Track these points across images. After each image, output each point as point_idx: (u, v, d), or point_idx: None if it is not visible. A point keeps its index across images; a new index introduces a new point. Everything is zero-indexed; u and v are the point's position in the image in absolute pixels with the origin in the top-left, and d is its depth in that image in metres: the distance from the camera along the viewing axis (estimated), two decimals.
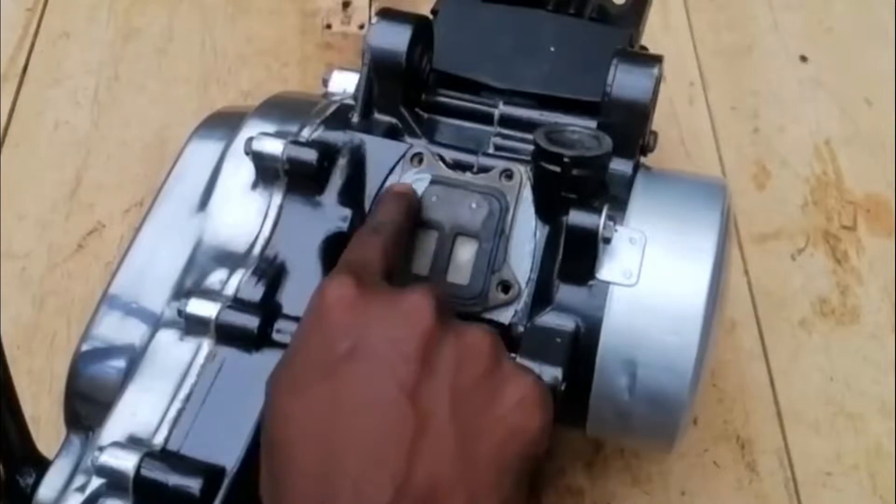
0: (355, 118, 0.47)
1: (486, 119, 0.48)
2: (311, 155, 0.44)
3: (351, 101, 0.49)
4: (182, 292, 0.44)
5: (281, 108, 0.49)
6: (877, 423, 0.58)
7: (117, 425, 0.40)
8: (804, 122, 0.73)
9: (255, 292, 0.42)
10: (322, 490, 0.31)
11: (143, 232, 0.48)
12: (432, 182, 0.45)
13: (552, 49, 0.51)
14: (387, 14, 0.47)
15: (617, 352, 0.42)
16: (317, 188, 0.45)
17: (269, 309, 0.42)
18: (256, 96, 0.52)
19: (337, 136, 0.46)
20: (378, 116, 0.48)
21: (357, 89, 0.48)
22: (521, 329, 0.43)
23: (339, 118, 0.47)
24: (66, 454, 0.43)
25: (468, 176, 0.45)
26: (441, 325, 0.34)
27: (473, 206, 0.44)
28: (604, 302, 0.42)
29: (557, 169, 0.41)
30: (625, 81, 0.45)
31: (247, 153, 0.45)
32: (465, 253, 0.44)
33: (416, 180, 0.45)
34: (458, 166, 0.45)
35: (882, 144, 0.71)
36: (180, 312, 0.41)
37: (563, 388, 0.40)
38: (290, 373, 0.35)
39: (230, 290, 0.43)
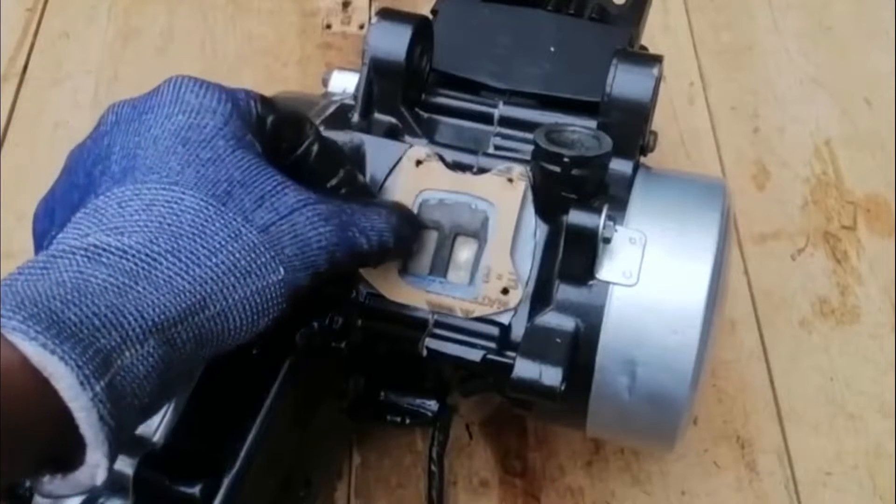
0: (355, 118, 0.47)
1: (486, 119, 0.48)
2: None
3: (351, 101, 0.49)
4: None
5: None
6: (877, 423, 0.58)
7: None
8: (804, 122, 0.73)
9: None
10: None
11: None
12: None
13: (552, 49, 0.51)
14: (387, 14, 0.47)
15: (617, 352, 0.42)
16: None
17: None
18: None
19: (337, 136, 0.46)
20: (378, 116, 0.48)
21: (357, 89, 0.48)
22: (520, 329, 0.43)
23: (339, 118, 0.47)
24: None
25: (468, 176, 0.45)
26: None
27: (473, 206, 0.44)
28: (604, 302, 0.42)
29: (557, 169, 0.41)
30: (625, 81, 0.45)
31: None
32: (465, 253, 0.44)
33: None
34: (458, 166, 0.45)
35: (882, 144, 0.71)
36: None
37: (563, 388, 0.40)
38: None
39: None
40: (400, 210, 0.42)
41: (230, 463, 0.38)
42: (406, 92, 0.47)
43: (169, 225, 0.31)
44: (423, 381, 0.50)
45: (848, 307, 0.63)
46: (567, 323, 0.42)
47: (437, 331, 0.44)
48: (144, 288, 0.29)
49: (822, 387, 0.60)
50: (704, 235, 0.43)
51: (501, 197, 0.44)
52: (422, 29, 0.47)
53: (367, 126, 0.47)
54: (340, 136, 0.46)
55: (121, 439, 0.28)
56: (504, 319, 0.44)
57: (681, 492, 0.56)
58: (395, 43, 0.46)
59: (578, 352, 0.42)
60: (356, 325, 0.44)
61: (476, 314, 0.43)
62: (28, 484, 0.42)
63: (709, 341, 0.43)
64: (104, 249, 0.30)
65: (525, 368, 0.41)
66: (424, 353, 0.44)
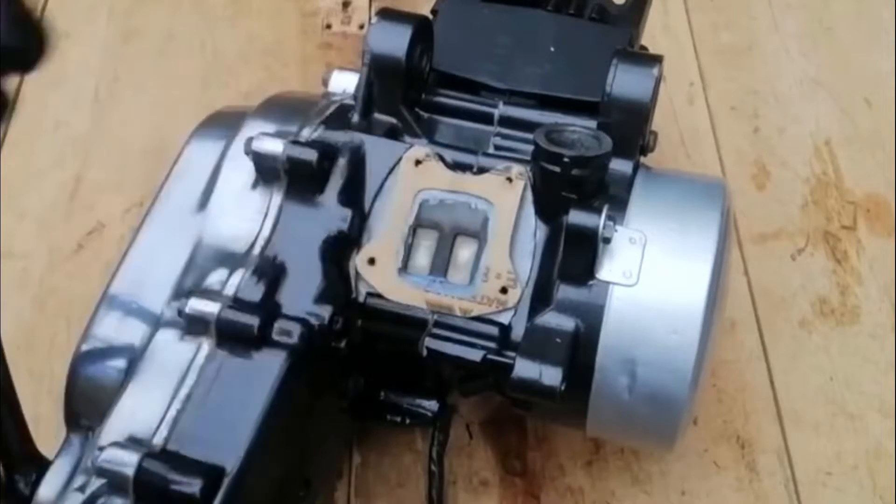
0: (355, 118, 0.47)
1: (486, 119, 0.48)
2: (311, 155, 0.44)
3: (351, 101, 0.49)
4: (182, 292, 0.44)
5: (281, 108, 0.49)
6: (877, 423, 0.58)
7: (117, 425, 0.40)
8: (804, 122, 0.73)
9: (255, 292, 0.42)
10: None
11: (143, 232, 0.48)
12: None
13: (552, 49, 0.50)
14: (387, 14, 0.47)
15: (617, 351, 0.42)
16: (317, 188, 0.45)
17: (269, 309, 0.42)
18: (256, 97, 0.51)
19: (337, 136, 0.46)
20: (378, 116, 0.48)
21: (357, 89, 0.48)
22: (521, 329, 0.43)
23: (339, 118, 0.48)
24: (66, 454, 0.43)
25: (468, 176, 0.45)
26: None
27: (473, 206, 0.44)
28: (604, 302, 0.42)
29: (557, 169, 0.41)
30: (625, 81, 0.45)
31: (247, 153, 0.45)
32: (465, 253, 0.44)
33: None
34: (458, 166, 0.45)
35: (882, 144, 0.71)
36: (180, 312, 0.41)
37: (562, 387, 0.40)
38: None
39: (230, 290, 0.43)
40: None
41: (230, 463, 0.38)
42: (406, 92, 0.47)
43: None
44: (423, 380, 0.50)
45: (848, 307, 0.63)
46: (567, 323, 0.42)
47: (437, 330, 0.44)
48: None
49: (822, 387, 0.60)
50: (704, 235, 0.43)
51: (501, 196, 0.44)
52: (422, 29, 0.47)
53: (367, 126, 0.47)
54: (340, 136, 0.46)
55: None
56: (504, 319, 0.44)
57: (681, 492, 0.56)
58: (395, 43, 0.46)
59: (578, 352, 0.42)
60: (356, 325, 0.44)
61: (475, 313, 0.43)
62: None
63: (709, 341, 0.43)
64: None
65: (525, 368, 0.41)
66: (424, 352, 0.44)
